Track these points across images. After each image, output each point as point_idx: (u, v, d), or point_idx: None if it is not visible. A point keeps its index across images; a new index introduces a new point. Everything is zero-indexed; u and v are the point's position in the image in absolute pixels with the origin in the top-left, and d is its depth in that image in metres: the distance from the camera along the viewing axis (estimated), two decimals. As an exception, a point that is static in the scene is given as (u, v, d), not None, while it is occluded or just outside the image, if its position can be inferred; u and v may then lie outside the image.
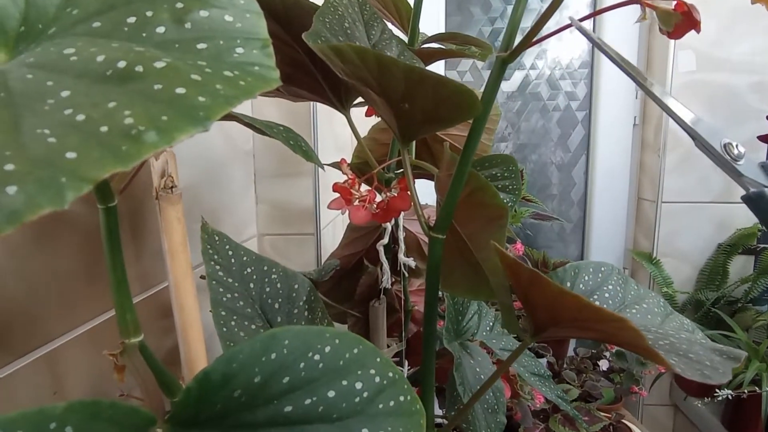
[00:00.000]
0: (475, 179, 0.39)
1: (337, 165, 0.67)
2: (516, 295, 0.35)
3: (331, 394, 0.17)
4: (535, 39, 0.32)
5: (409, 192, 0.47)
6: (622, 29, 1.39)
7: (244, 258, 0.31)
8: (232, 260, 0.30)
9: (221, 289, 0.29)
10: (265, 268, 0.32)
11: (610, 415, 1.03)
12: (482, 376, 0.50)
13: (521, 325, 0.35)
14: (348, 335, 0.19)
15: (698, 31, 0.31)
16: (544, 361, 1.15)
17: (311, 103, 0.87)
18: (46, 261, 0.35)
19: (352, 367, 0.18)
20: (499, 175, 0.52)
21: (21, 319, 0.33)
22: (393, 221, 0.60)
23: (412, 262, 0.58)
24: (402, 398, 0.18)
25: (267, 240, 0.86)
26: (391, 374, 0.19)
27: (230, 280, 0.29)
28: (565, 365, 1.13)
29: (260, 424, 0.16)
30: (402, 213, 0.64)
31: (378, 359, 0.19)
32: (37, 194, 0.09)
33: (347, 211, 0.49)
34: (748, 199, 0.26)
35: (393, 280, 0.62)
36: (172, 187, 0.27)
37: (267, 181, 0.87)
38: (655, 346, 0.26)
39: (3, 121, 0.10)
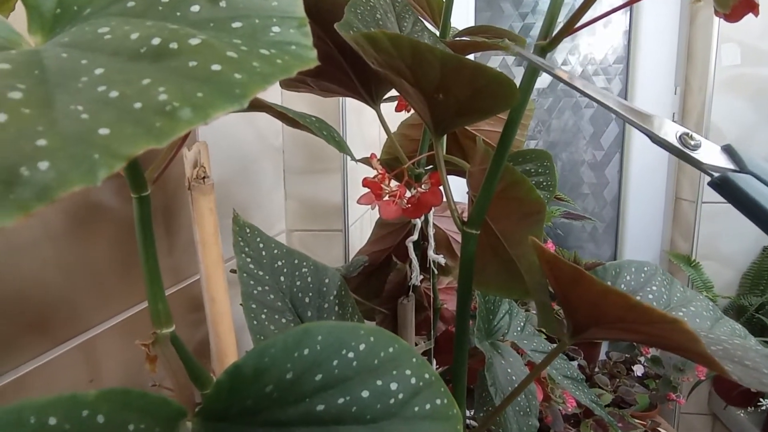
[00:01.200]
0: (510, 174, 0.38)
1: (366, 160, 0.66)
2: (554, 293, 0.34)
3: (365, 394, 0.17)
4: (576, 26, 0.31)
5: (441, 187, 0.46)
6: (661, 23, 1.34)
7: (275, 251, 0.31)
8: (263, 253, 0.30)
9: (252, 282, 0.28)
10: (296, 261, 0.31)
11: (645, 423, 0.99)
12: (514, 378, 0.49)
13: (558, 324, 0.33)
14: (383, 333, 0.18)
15: (756, 14, 0.29)
16: (575, 364, 1.11)
17: (340, 100, 0.86)
18: (84, 253, 0.35)
19: (388, 367, 0.17)
20: (533, 170, 0.50)
21: (60, 308, 0.34)
22: (423, 217, 0.59)
23: (441, 259, 0.57)
24: (438, 401, 0.18)
25: (295, 236, 0.87)
26: (427, 376, 0.18)
27: (261, 273, 0.29)
28: (597, 369, 1.10)
29: (292, 422, 0.16)
30: (432, 209, 0.63)
31: (414, 359, 0.18)
32: (69, 170, 0.08)
33: (377, 207, 0.48)
34: (714, 186, 0.25)
35: (422, 277, 0.61)
36: (204, 178, 0.27)
37: (296, 177, 0.87)
38: (708, 351, 0.24)
39: (36, 98, 0.10)
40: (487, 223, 0.41)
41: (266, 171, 0.81)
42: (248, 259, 0.29)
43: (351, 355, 0.17)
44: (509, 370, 0.49)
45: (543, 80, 1.46)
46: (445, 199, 0.42)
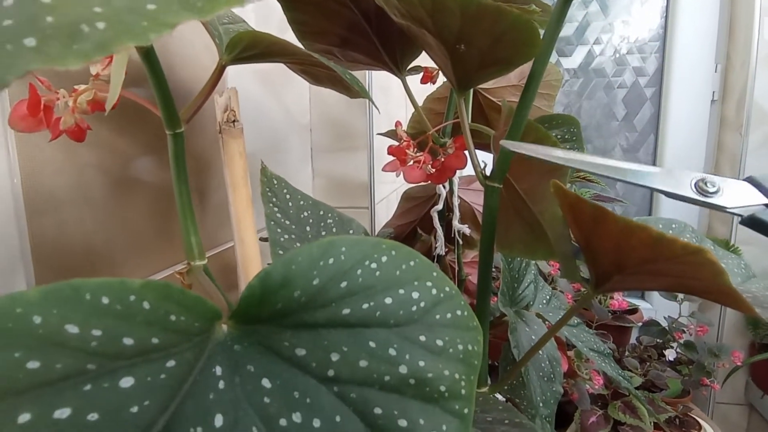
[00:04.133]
0: (534, 131, 0.38)
1: (391, 133, 0.67)
2: (577, 241, 0.33)
3: (389, 300, 0.17)
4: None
5: (466, 150, 0.46)
6: (701, -3, 1.28)
7: (301, 202, 0.32)
8: (290, 203, 0.31)
9: (279, 230, 0.29)
10: (321, 212, 0.32)
11: (676, 408, 0.97)
12: (538, 344, 0.49)
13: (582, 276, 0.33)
14: (403, 248, 0.19)
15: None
16: (603, 348, 1.09)
17: (366, 79, 0.87)
18: (124, 216, 0.37)
19: (409, 277, 0.18)
20: (560, 136, 0.50)
21: (102, 268, 0.36)
22: (448, 187, 0.59)
23: (466, 229, 0.58)
24: (459, 312, 0.18)
25: (322, 212, 0.88)
26: (447, 289, 0.19)
27: (287, 222, 0.30)
28: (627, 353, 1.08)
29: (320, 324, 0.17)
30: (458, 182, 0.63)
31: (434, 273, 0.19)
32: (123, 32, 0.09)
33: (401, 174, 0.49)
34: (747, 225, 0.23)
35: (447, 249, 0.62)
36: (234, 121, 0.28)
37: (323, 155, 0.88)
38: (733, 286, 0.24)
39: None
40: (510, 184, 0.41)
41: (294, 149, 0.83)
42: (275, 209, 0.31)
43: (374, 265, 0.18)
44: (533, 337, 0.49)
45: (574, 60, 1.43)
46: (469, 161, 0.43)
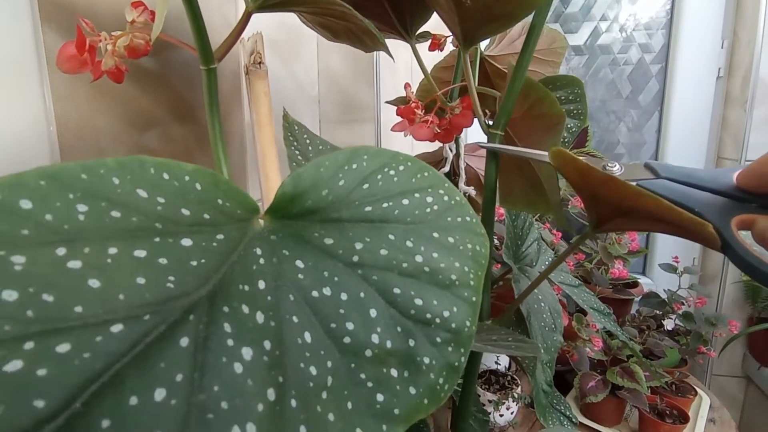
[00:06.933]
0: (535, 90, 0.40)
1: (399, 100, 0.69)
2: (580, 196, 0.36)
3: (406, 201, 0.20)
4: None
5: (471, 105, 0.48)
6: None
7: (320, 147, 0.34)
8: (309, 147, 0.33)
9: (299, 171, 0.32)
10: (338, 157, 0.35)
11: (673, 375, 1.00)
12: (540, 296, 0.51)
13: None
14: (419, 161, 0.21)
15: None
16: (604, 319, 1.12)
17: (374, 54, 0.88)
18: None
19: (423, 185, 0.20)
20: (563, 98, 0.51)
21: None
22: (455, 150, 0.61)
23: (472, 190, 0.60)
24: (468, 218, 0.21)
25: (331, 181, 0.90)
26: (458, 198, 0.21)
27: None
28: (626, 323, 1.11)
29: (344, 219, 0.19)
30: (464, 145, 0.65)
31: (446, 184, 0.21)
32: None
33: (409, 134, 0.51)
34: None
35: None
36: (260, 63, 0.30)
37: (331, 126, 0.90)
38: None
39: None
40: (513, 142, 0.43)
41: (303, 120, 0.84)
42: (296, 152, 0.33)
43: (392, 172, 0.20)
44: (536, 291, 0.51)
45: (580, 37, 1.43)
46: (475, 117, 0.45)
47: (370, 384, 0.14)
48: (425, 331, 0.16)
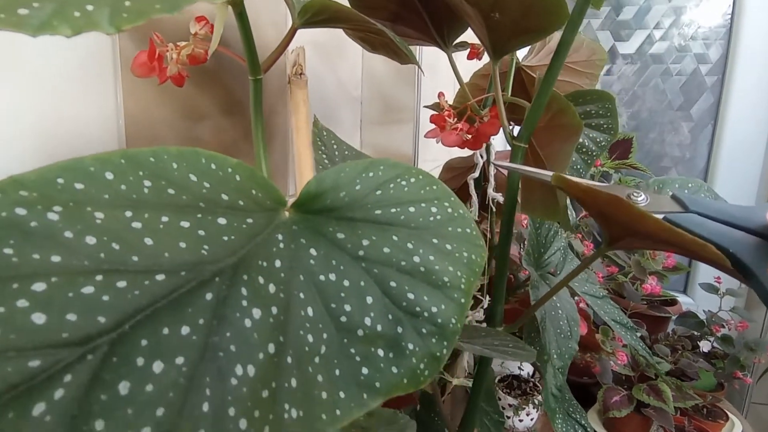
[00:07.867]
0: (557, 101, 0.41)
1: (436, 106, 0.71)
2: (591, 215, 0.37)
3: (412, 209, 0.23)
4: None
5: (498, 114, 0.50)
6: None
7: (346, 152, 0.38)
8: (336, 153, 0.37)
9: (329, 172, 0.35)
10: (366, 161, 0.38)
11: (705, 399, 0.97)
12: (558, 304, 0.53)
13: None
14: (430, 175, 0.24)
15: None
16: (637, 335, 1.10)
17: (417, 53, 0.91)
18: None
19: (431, 196, 0.23)
20: (593, 112, 0.52)
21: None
22: (485, 157, 0.63)
23: (500, 197, 0.61)
24: (468, 230, 0.23)
25: (367, 180, 0.94)
26: (461, 211, 0.23)
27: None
28: (659, 341, 1.08)
29: (356, 219, 0.22)
30: (494, 152, 0.67)
31: (452, 198, 0.24)
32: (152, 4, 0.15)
33: (440, 140, 0.53)
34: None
35: (480, 217, 0.66)
36: (300, 74, 0.34)
37: (372, 127, 0.93)
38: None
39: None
40: (535, 150, 0.45)
41: (345, 120, 0.88)
42: (324, 156, 0.36)
43: (404, 183, 0.23)
44: (554, 298, 0.53)
45: (630, 45, 1.40)
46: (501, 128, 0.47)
47: (358, 358, 0.17)
48: (413, 322, 0.19)
